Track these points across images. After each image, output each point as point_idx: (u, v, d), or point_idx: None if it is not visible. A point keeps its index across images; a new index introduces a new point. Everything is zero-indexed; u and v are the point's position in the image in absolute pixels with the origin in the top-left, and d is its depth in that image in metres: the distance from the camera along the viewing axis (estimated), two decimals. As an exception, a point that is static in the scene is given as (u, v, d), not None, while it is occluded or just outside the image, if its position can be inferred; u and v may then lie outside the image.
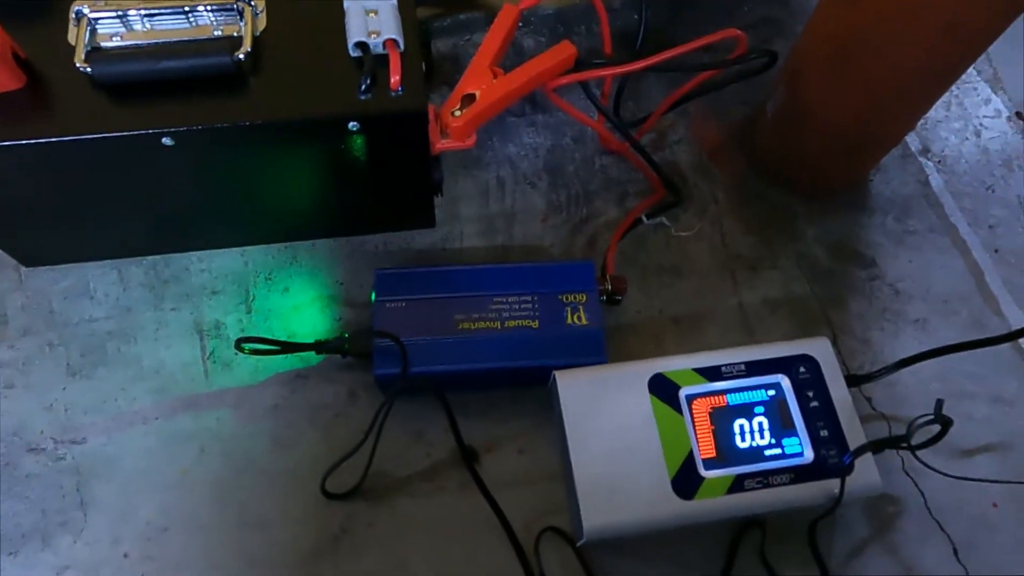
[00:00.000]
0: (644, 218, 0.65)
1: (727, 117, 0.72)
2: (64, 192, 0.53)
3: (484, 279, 0.57)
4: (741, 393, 0.52)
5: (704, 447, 0.50)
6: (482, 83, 0.55)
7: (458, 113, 0.54)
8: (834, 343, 0.54)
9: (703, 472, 0.49)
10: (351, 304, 0.61)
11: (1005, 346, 0.61)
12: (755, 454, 0.50)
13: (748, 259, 0.66)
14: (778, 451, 0.50)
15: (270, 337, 0.55)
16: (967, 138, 0.73)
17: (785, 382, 0.53)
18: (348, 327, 0.60)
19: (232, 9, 0.50)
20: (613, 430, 0.51)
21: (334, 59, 0.50)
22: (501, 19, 0.58)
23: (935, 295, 0.64)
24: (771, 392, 0.52)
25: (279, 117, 0.48)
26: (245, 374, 0.59)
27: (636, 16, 0.67)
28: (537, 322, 0.55)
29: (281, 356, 0.57)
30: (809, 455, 0.50)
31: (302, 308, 0.61)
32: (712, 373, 0.53)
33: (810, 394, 0.52)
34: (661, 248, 0.66)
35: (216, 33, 0.50)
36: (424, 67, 0.53)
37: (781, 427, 0.51)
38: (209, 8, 0.50)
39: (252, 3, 0.51)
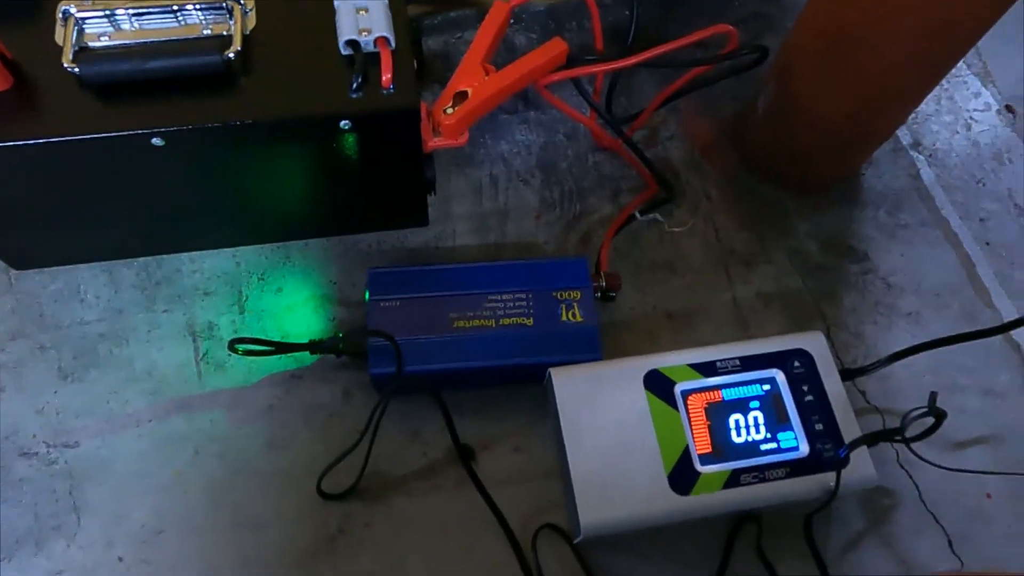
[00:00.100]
0: (637, 214, 0.65)
1: (718, 113, 0.72)
2: (53, 194, 0.52)
3: (478, 277, 0.57)
4: (736, 388, 0.52)
5: (700, 442, 0.50)
6: (474, 80, 0.55)
7: (450, 111, 0.54)
8: (828, 337, 0.55)
9: (699, 467, 0.49)
10: (345, 303, 0.61)
11: (996, 338, 0.61)
12: (751, 449, 0.50)
13: (741, 254, 0.66)
14: (774, 445, 0.51)
15: (264, 338, 0.54)
16: (957, 132, 0.73)
17: (780, 376, 0.53)
18: (342, 327, 0.60)
19: (221, 8, 0.50)
20: (609, 426, 0.51)
21: (325, 57, 0.50)
22: (492, 16, 0.58)
23: (927, 288, 0.65)
24: (766, 387, 0.53)
25: (270, 116, 0.48)
26: (239, 375, 0.58)
27: (627, 12, 0.67)
28: (532, 319, 0.55)
29: (275, 357, 0.56)
30: (804, 449, 0.50)
31: (295, 308, 0.61)
32: (707, 368, 0.53)
33: (805, 388, 0.52)
34: (654, 244, 0.66)
35: (205, 32, 0.49)
36: (416, 65, 0.53)
37: (776, 421, 0.51)
38: (198, 7, 0.49)
39: (241, 1, 0.50)
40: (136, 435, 0.56)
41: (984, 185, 0.70)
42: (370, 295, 0.55)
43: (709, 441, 0.50)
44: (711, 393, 0.52)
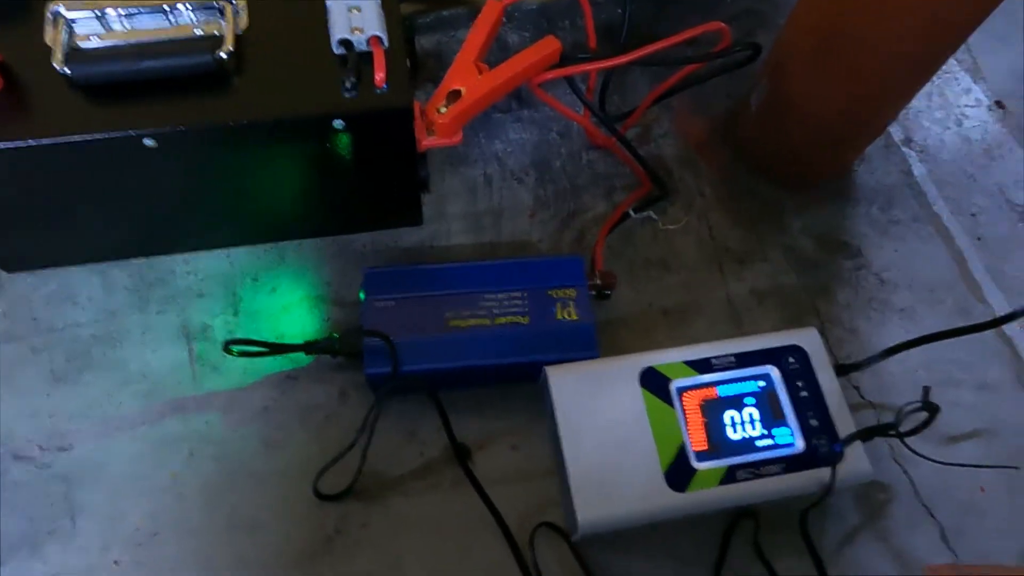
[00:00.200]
0: (631, 212, 0.65)
1: (711, 110, 0.73)
2: (45, 196, 0.52)
3: (473, 276, 0.57)
4: (731, 385, 0.52)
5: (696, 439, 0.51)
6: (468, 79, 0.55)
7: (444, 110, 0.54)
8: (822, 333, 0.55)
9: (695, 464, 0.50)
10: (340, 303, 0.61)
11: (989, 333, 0.61)
12: (746, 445, 0.51)
13: (735, 251, 0.66)
14: (769, 441, 0.51)
15: (258, 339, 0.54)
16: (948, 127, 0.74)
17: (775, 373, 0.53)
18: (337, 327, 0.60)
19: (213, 8, 0.49)
20: (605, 424, 0.51)
21: (318, 57, 0.50)
22: (485, 15, 0.58)
23: (920, 284, 0.65)
24: (761, 383, 0.53)
25: (263, 116, 0.48)
26: (234, 376, 0.58)
27: (620, 10, 0.67)
28: (527, 318, 0.55)
29: (270, 358, 0.56)
30: (800, 445, 0.51)
31: (290, 309, 0.61)
32: (702, 365, 0.53)
33: (800, 384, 0.53)
34: (649, 242, 0.66)
35: (197, 32, 0.49)
36: (409, 64, 0.52)
37: (772, 417, 0.52)
38: (189, 7, 0.49)
39: (233, 1, 0.50)
40: (131, 438, 0.56)
41: (975, 180, 0.71)
42: (365, 295, 0.55)
43: (705, 438, 0.51)
44: (706, 390, 0.52)
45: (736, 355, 0.53)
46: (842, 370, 0.57)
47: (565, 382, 0.52)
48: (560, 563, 0.52)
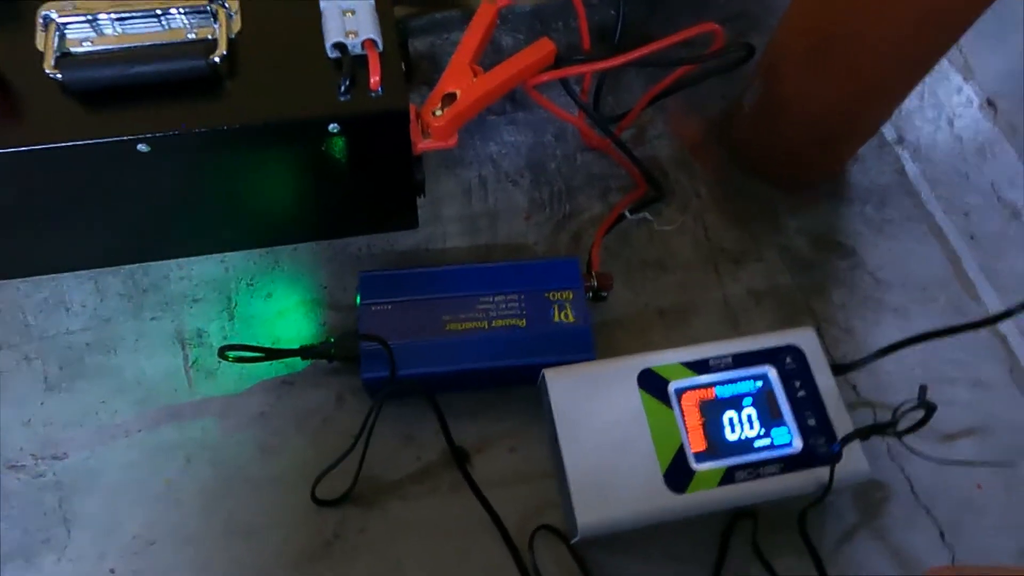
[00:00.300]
0: (627, 214, 0.65)
1: (706, 111, 0.73)
2: (36, 202, 0.51)
3: (470, 279, 0.56)
4: (729, 385, 0.53)
5: (695, 440, 0.51)
6: (462, 82, 0.55)
7: (439, 113, 0.54)
8: (818, 333, 0.55)
9: (694, 465, 0.50)
10: (336, 308, 0.61)
11: (983, 331, 0.62)
12: (745, 446, 0.51)
13: (731, 252, 0.66)
14: (767, 442, 0.51)
15: (254, 344, 0.54)
16: (941, 126, 0.74)
17: (772, 373, 0.53)
18: (333, 331, 0.60)
19: (206, 11, 0.49)
20: (604, 426, 0.51)
21: (312, 60, 0.50)
22: (480, 17, 0.58)
23: (914, 282, 0.65)
24: (759, 383, 0.53)
25: (257, 120, 0.48)
26: (229, 382, 0.58)
27: (613, 11, 0.67)
28: (524, 321, 0.55)
29: (266, 363, 0.56)
30: (798, 445, 0.51)
31: (286, 313, 0.60)
32: (700, 366, 0.53)
33: (797, 384, 0.53)
34: (644, 243, 0.66)
35: (190, 36, 0.49)
36: (403, 67, 0.52)
37: (770, 418, 0.52)
38: (182, 11, 0.49)
39: (226, 5, 0.50)
40: (126, 445, 0.55)
41: (968, 179, 0.71)
42: (361, 299, 0.55)
43: (704, 439, 0.51)
44: (704, 391, 0.52)
45: (733, 356, 0.53)
46: (839, 370, 0.57)
47: (563, 385, 0.52)
48: (558, 564, 0.52)
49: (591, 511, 0.48)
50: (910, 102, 0.75)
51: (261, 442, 0.56)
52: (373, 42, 0.49)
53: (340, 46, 0.49)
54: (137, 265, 0.62)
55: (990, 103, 0.76)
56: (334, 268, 0.62)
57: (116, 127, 0.46)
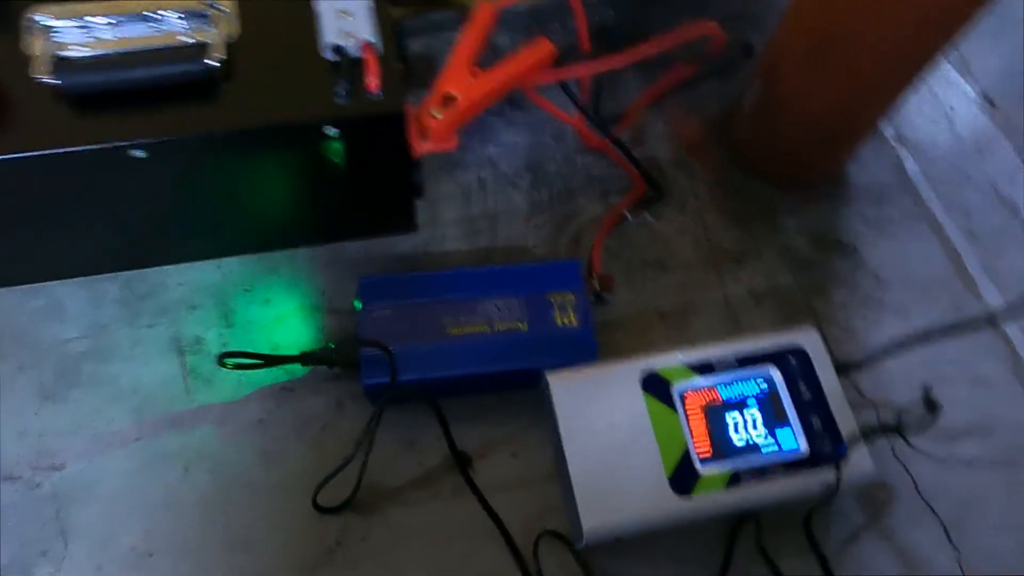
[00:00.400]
0: (627, 214, 0.65)
1: (704, 112, 0.72)
2: (31, 209, 0.51)
3: (471, 282, 0.56)
4: (733, 386, 0.52)
5: (699, 443, 0.50)
6: (462, 83, 0.54)
7: (438, 114, 0.53)
8: (819, 332, 0.55)
9: (700, 468, 0.49)
10: (335, 313, 0.60)
11: (985, 329, 0.62)
12: (750, 448, 0.50)
13: (731, 252, 0.66)
14: (773, 444, 0.51)
15: (253, 351, 0.53)
16: (940, 125, 0.74)
17: (776, 374, 0.53)
18: (333, 337, 0.59)
19: (202, 15, 0.49)
20: (607, 429, 0.50)
21: (309, 63, 0.49)
22: (478, 18, 0.57)
23: (915, 281, 0.65)
24: (763, 385, 0.52)
25: (255, 124, 0.47)
26: (228, 389, 0.57)
27: (611, 12, 0.67)
28: (526, 324, 0.55)
29: (265, 369, 0.55)
30: (803, 446, 0.50)
31: (285, 319, 0.60)
32: (704, 368, 0.52)
33: (801, 385, 0.52)
34: (645, 244, 0.66)
35: (186, 40, 0.48)
36: (401, 69, 0.52)
37: (774, 419, 0.51)
38: (178, 15, 0.48)
39: (223, 8, 0.49)
40: (123, 454, 0.55)
41: (967, 177, 0.71)
42: (361, 304, 0.55)
43: (708, 441, 0.50)
44: (709, 393, 0.52)
45: (737, 357, 0.53)
46: (841, 369, 0.57)
47: (566, 388, 0.52)
48: (564, 569, 0.52)
49: (596, 516, 0.48)
50: (910, 101, 0.75)
51: (261, 449, 0.55)
52: (371, 44, 0.49)
53: (338, 49, 0.48)
54: (134, 272, 0.61)
55: (989, 101, 0.76)
56: (333, 273, 0.62)
57: (111, 133, 0.45)
